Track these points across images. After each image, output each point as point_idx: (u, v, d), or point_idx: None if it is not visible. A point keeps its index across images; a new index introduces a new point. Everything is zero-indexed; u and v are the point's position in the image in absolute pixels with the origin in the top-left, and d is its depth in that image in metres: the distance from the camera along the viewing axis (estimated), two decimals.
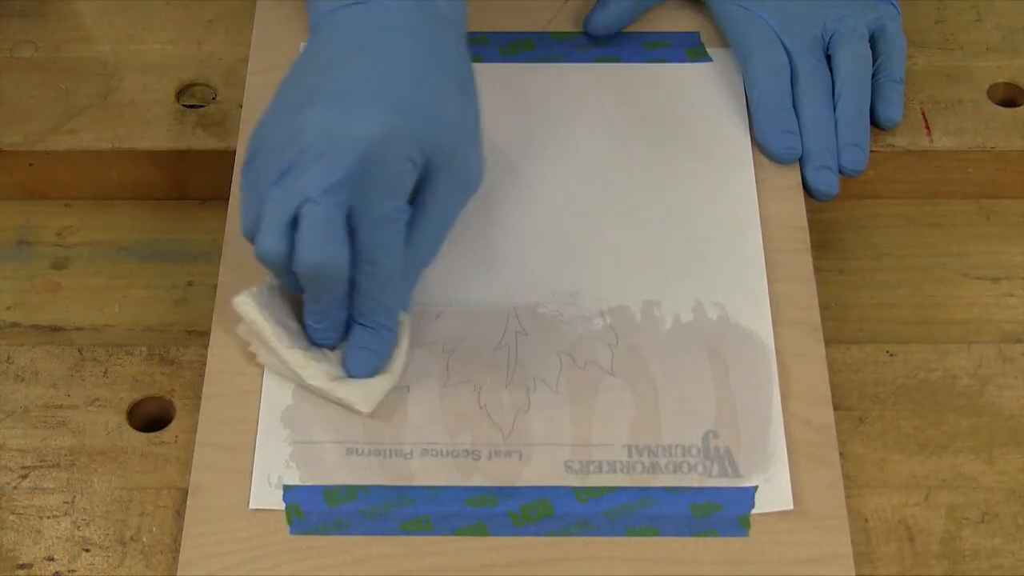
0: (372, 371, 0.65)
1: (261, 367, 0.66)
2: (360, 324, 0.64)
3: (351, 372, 0.65)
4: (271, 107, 0.65)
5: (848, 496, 0.64)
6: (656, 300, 0.69)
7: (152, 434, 0.67)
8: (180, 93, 0.78)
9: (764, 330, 0.67)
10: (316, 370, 0.65)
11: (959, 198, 0.77)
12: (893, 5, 0.78)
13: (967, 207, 0.77)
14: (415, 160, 0.62)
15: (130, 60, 0.79)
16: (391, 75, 0.62)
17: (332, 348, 0.66)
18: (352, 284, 0.63)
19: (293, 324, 0.66)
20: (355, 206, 0.61)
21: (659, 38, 0.78)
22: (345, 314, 0.65)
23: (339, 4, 0.65)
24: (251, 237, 0.63)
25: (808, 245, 0.70)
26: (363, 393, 0.65)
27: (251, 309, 0.64)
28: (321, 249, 0.61)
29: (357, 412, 0.65)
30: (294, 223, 0.61)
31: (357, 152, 0.60)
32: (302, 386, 0.65)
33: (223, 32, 0.80)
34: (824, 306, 0.70)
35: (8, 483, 0.65)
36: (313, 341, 0.66)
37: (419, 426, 0.65)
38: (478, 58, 0.72)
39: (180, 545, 0.62)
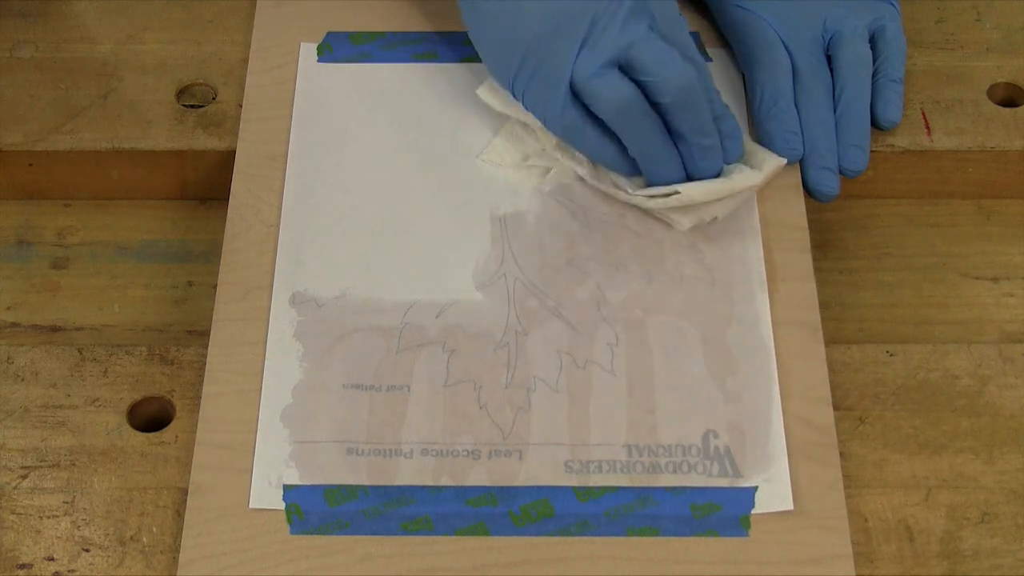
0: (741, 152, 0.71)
1: (261, 367, 0.66)
2: (717, 117, 0.70)
3: (735, 160, 0.71)
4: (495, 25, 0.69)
5: (848, 496, 0.64)
6: (656, 300, 0.69)
7: (152, 434, 0.67)
8: (180, 93, 0.78)
9: (764, 330, 0.67)
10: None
11: (959, 198, 0.77)
12: (893, 5, 0.78)
13: (967, 207, 0.77)
14: None
15: (130, 60, 0.79)
16: None
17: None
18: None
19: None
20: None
21: None
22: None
23: None
24: (556, 116, 0.68)
25: (808, 245, 0.70)
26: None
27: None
28: (681, 67, 0.67)
29: (747, 190, 0.70)
30: (623, 69, 0.67)
31: None
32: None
33: (223, 32, 0.80)
34: (824, 306, 0.70)
35: (8, 483, 0.65)
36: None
37: (419, 426, 0.65)
38: (477, 60, 0.72)
39: (180, 545, 0.62)
